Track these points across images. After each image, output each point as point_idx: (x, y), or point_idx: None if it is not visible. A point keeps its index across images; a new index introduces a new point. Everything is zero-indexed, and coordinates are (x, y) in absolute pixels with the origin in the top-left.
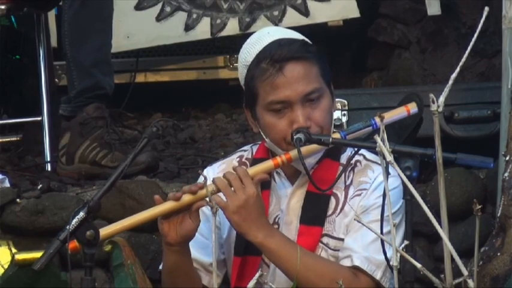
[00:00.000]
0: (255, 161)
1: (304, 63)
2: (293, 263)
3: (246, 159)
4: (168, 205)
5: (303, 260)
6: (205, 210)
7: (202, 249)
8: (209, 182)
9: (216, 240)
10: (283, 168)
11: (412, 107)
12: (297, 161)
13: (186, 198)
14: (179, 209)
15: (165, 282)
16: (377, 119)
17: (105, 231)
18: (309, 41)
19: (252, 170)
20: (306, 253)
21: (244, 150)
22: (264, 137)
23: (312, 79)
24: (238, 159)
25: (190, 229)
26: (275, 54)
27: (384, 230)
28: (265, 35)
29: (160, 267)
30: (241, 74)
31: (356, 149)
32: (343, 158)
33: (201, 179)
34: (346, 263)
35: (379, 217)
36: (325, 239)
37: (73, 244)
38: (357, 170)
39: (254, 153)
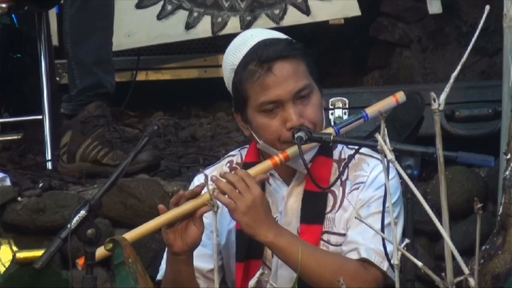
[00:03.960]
0: (245, 165)
1: (292, 62)
2: (304, 260)
3: (237, 163)
4: (172, 213)
5: (314, 256)
6: (203, 218)
7: (200, 257)
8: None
9: (216, 244)
10: (277, 169)
11: (400, 96)
12: (294, 160)
13: (190, 204)
14: (183, 216)
15: None
16: (368, 111)
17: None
18: (292, 39)
19: (252, 171)
20: (316, 249)
21: (233, 155)
22: (257, 139)
23: (301, 76)
24: (228, 164)
25: (196, 236)
26: (262, 55)
27: (385, 222)
28: (248, 37)
29: (158, 277)
30: (227, 78)
31: (354, 147)
32: (336, 154)
33: (198, 180)
34: (353, 256)
35: (379, 209)
36: (325, 236)
37: (82, 261)
38: (351, 164)
39: (244, 157)
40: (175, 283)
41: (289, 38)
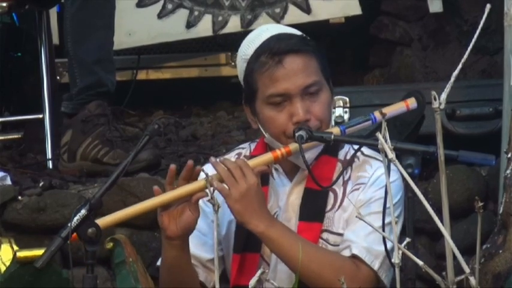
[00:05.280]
0: (252, 158)
1: (303, 56)
2: (294, 253)
3: (245, 156)
4: (167, 195)
5: (305, 250)
6: (204, 207)
7: (200, 246)
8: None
9: (217, 235)
10: (282, 165)
11: (411, 103)
12: (296, 156)
13: (186, 188)
14: (178, 199)
15: (163, 277)
16: (377, 114)
17: (103, 220)
18: (307, 36)
19: (251, 162)
20: (307, 243)
21: (242, 148)
22: (264, 132)
23: (312, 72)
24: (236, 156)
25: (190, 221)
26: (274, 47)
27: (385, 221)
28: (264, 30)
29: (158, 263)
30: (240, 69)
31: (358, 146)
32: (341, 155)
33: (202, 176)
34: (346, 253)
35: (379, 209)
36: (324, 235)
37: (73, 236)
38: (354, 165)
39: (252, 150)
40: (171, 268)
41: (304, 35)
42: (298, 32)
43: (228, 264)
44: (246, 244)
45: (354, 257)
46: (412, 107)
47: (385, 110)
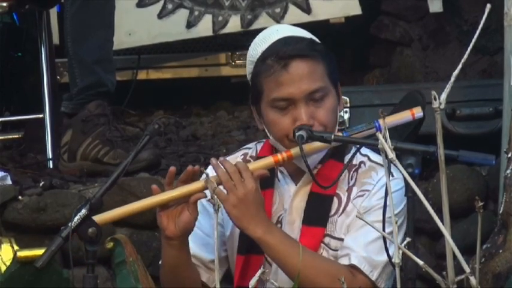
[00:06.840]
0: (258, 159)
1: (309, 62)
2: (291, 259)
3: (251, 157)
4: (165, 195)
5: (302, 257)
6: (208, 207)
7: (203, 246)
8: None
9: (218, 237)
10: (287, 167)
11: (417, 111)
12: (299, 160)
13: (184, 189)
14: (177, 199)
15: (164, 277)
16: (381, 121)
17: (101, 217)
18: (317, 40)
19: (251, 166)
20: (305, 250)
21: (249, 148)
22: (268, 134)
23: (317, 78)
24: (242, 156)
25: (189, 221)
26: (280, 51)
27: (386, 230)
28: (273, 32)
29: (161, 261)
30: (248, 69)
31: (357, 147)
32: (347, 159)
33: (211, 171)
34: (344, 261)
35: (381, 217)
36: (326, 239)
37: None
38: (361, 171)
39: (258, 151)
40: (170, 268)
41: (313, 38)
42: (307, 35)
43: (232, 264)
44: (250, 246)
45: (353, 266)
46: (417, 116)
47: (390, 118)
